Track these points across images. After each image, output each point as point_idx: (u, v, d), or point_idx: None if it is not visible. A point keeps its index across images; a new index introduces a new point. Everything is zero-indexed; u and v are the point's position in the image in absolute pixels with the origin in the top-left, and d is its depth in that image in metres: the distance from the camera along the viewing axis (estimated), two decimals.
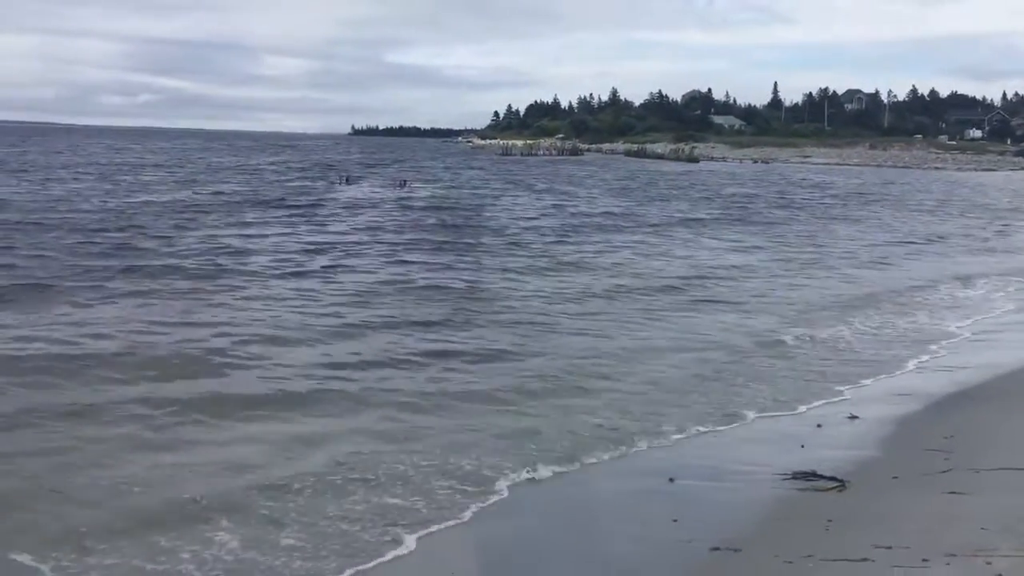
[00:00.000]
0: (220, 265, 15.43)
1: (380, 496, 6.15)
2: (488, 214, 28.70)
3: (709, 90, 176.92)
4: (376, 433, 7.47)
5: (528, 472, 6.71)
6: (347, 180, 44.95)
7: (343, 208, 28.76)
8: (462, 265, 16.65)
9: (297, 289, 13.80)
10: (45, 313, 11.36)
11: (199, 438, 7.32)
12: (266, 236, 20.20)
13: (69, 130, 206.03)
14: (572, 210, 31.20)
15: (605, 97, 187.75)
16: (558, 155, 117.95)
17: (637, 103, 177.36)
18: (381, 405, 8.18)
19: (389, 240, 20.34)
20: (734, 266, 17.81)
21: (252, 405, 8.01)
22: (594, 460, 7.10)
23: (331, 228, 22.73)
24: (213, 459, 6.79)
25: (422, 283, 14.29)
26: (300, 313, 11.98)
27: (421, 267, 16.24)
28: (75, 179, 35.49)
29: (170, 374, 8.93)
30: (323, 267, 16.08)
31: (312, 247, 18.34)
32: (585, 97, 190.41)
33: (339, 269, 15.94)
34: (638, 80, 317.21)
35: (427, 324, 11.26)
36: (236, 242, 18.99)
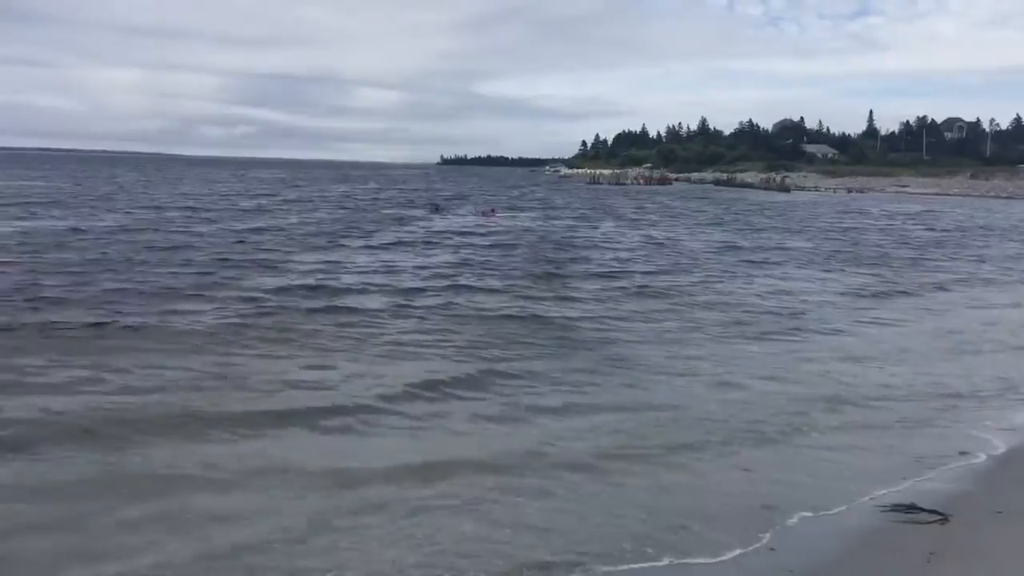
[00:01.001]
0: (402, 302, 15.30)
1: None
2: (583, 243, 28.23)
3: (801, 119, 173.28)
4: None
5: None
6: (437, 209, 44.84)
7: (438, 235, 28.64)
8: (573, 303, 15.92)
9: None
10: None
11: None
12: (372, 265, 20.02)
13: (176, 159, 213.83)
14: (669, 240, 30.54)
15: (694, 126, 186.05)
16: (646, 184, 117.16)
17: (727, 132, 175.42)
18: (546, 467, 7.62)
19: (490, 271, 19.85)
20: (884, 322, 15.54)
21: None
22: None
23: (435, 257, 22.39)
24: None
25: (554, 324, 13.66)
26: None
27: (536, 302, 15.62)
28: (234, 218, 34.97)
29: None
30: (436, 301, 15.59)
31: (419, 278, 18.09)
32: (673, 126, 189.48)
33: (453, 305, 15.37)
34: (728, 109, 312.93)
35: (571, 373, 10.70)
36: (369, 269, 19.40)
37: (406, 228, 32.74)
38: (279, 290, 15.79)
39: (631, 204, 60.97)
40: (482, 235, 30.59)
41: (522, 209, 49.43)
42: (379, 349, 11.48)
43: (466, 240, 27.95)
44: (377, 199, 55.53)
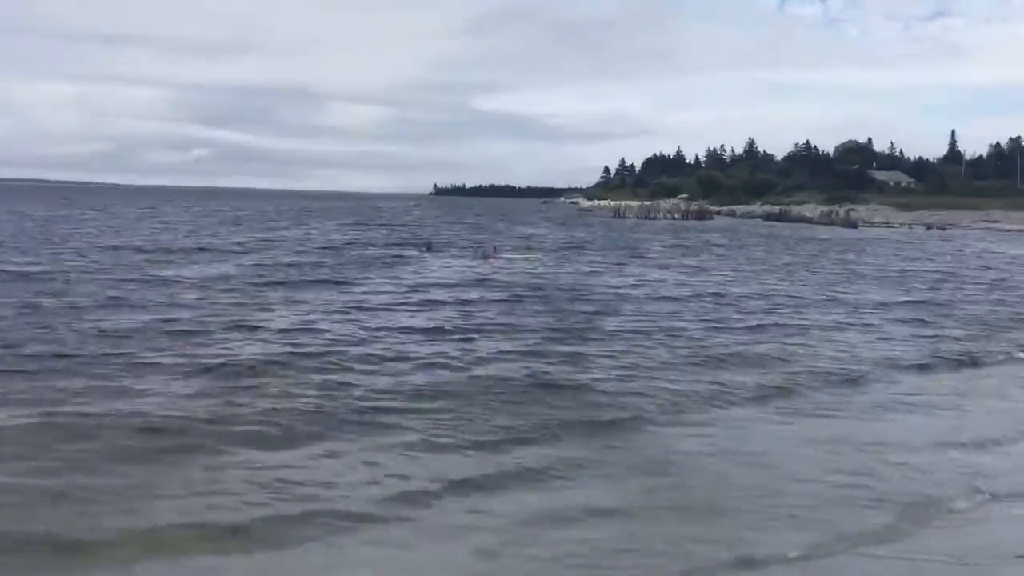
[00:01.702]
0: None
1: None
2: (610, 293, 28.36)
3: (869, 140, 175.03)
4: None
5: None
6: (428, 248, 45.32)
7: (431, 285, 28.74)
8: (603, 370, 15.93)
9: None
10: None
11: None
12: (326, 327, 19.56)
13: (112, 190, 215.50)
14: (720, 291, 30.33)
15: (739, 149, 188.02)
16: (682, 218, 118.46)
17: (779, 156, 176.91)
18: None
19: (500, 330, 19.84)
20: None
21: None
22: None
23: (431, 313, 22.37)
24: None
25: (585, 401, 13.76)
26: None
27: (559, 371, 15.69)
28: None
29: None
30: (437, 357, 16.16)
31: (417, 341, 18.07)
32: (714, 149, 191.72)
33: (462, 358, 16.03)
34: (779, 128, 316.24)
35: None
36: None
37: (393, 274, 32.65)
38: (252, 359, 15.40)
39: (666, 243, 61.43)
40: (485, 282, 30.46)
41: (532, 249, 49.53)
42: (383, 440, 11.44)
43: (462, 292, 27.60)
44: (357, 239, 55.44)
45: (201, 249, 41.26)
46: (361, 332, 19.05)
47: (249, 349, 16.54)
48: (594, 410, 13.03)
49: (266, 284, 27.54)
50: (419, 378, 14.71)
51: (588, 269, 38.09)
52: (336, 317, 21.13)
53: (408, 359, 16.26)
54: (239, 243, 46.49)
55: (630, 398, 13.82)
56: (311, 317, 20.85)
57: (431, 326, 20.24)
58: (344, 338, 18.19)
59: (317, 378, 14.36)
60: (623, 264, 41.52)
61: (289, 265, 34.77)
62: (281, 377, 14.31)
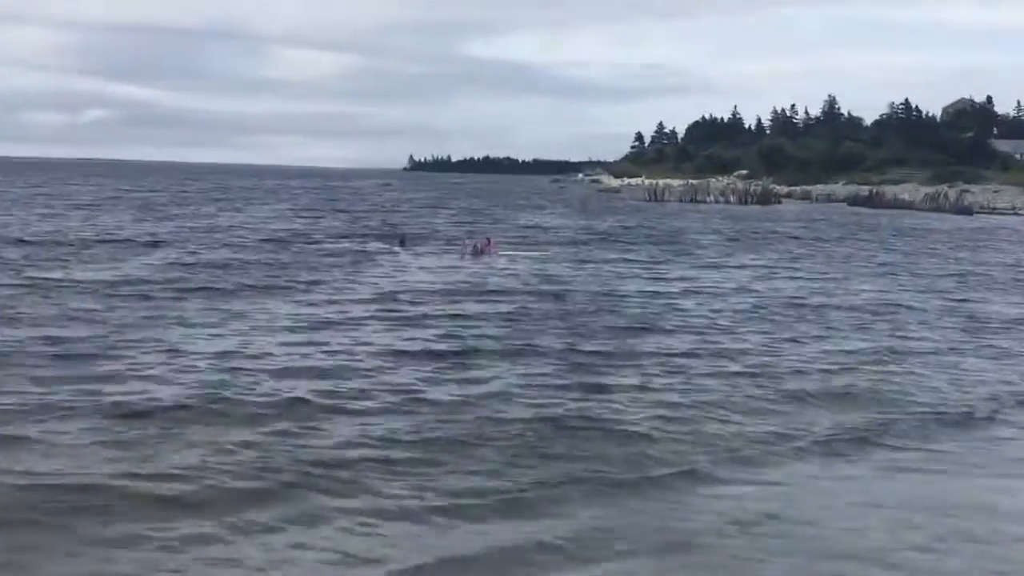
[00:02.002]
0: None
1: None
2: (650, 304, 28.42)
3: (988, 99, 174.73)
4: None
5: None
6: (402, 242, 45.57)
7: (405, 293, 28.84)
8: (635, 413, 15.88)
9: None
10: None
11: None
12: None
13: None
14: (794, 300, 30.41)
15: (815, 110, 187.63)
16: (739, 202, 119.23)
17: (868, 120, 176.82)
18: None
19: (505, 360, 19.63)
20: None
21: None
22: None
23: (409, 330, 22.48)
24: None
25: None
26: None
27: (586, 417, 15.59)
28: None
29: None
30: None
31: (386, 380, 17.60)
32: (782, 111, 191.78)
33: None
34: (870, 83, 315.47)
35: None
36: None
37: (358, 276, 32.86)
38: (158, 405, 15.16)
39: (719, 236, 61.38)
40: (480, 288, 30.50)
41: (538, 242, 49.62)
42: (345, 506, 11.44)
43: (451, 302, 27.57)
44: (309, 229, 55.61)
45: (101, 242, 41.15)
46: (318, 357, 18.91)
47: (166, 382, 16.39)
48: (625, 465, 13.08)
49: (188, 290, 27.44)
50: (395, 421, 14.62)
51: (617, 270, 38.00)
52: (283, 336, 20.94)
53: (380, 394, 16.17)
54: (151, 234, 46.47)
55: (672, 446, 13.92)
56: (250, 337, 20.69)
57: (411, 348, 20.10)
58: (294, 366, 18.07)
59: (259, 423, 14.26)
60: (663, 263, 41.52)
61: (219, 265, 34.61)
62: (209, 423, 14.17)
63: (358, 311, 25.02)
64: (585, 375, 18.12)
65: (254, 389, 16.08)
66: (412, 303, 26.85)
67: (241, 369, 17.47)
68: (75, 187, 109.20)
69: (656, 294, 30.81)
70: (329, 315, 24.13)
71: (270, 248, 42.05)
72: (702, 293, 31.61)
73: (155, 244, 41.15)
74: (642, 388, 17.27)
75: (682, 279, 35.53)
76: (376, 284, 30.73)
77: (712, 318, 26.04)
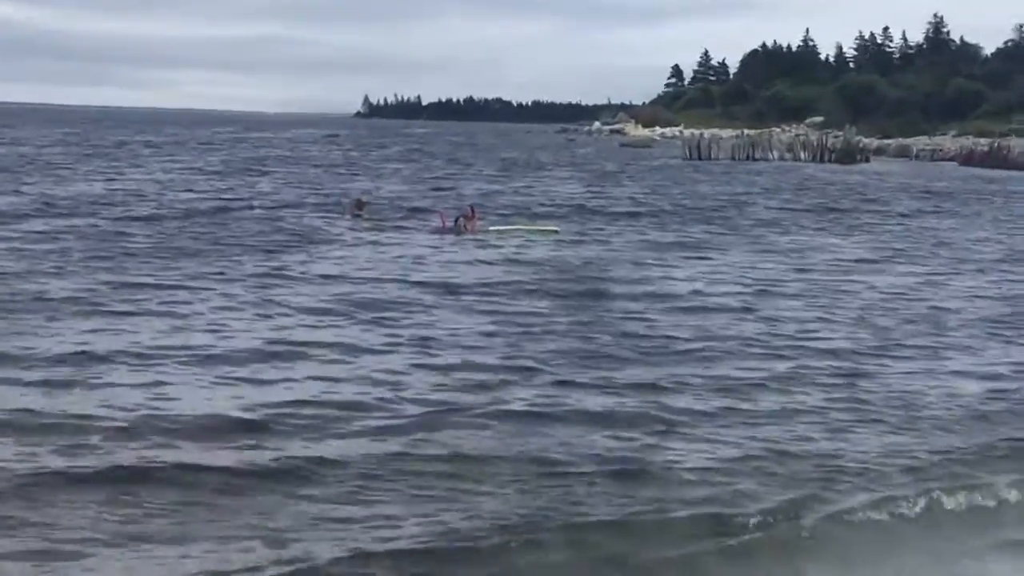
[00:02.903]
0: None
1: None
2: (682, 302, 28.09)
3: None
4: None
5: None
6: (358, 208, 46.38)
7: (371, 279, 29.42)
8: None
9: None
10: None
11: None
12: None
13: None
14: (912, 298, 30.29)
15: (916, 36, 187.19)
16: (811, 159, 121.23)
17: (988, 50, 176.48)
18: None
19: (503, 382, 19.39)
20: None
21: None
22: None
23: (371, 330, 22.68)
24: None
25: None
26: None
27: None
28: None
29: None
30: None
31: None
32: (871, 36, 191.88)
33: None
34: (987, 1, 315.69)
35: None
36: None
37: (303, 260, 33.12)
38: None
39: (787, 206, 61.43)
40: (463, 276, 30.57)
41: (535, 214, 50.28)
42: None
43: (424, 295, 27.50)
44: (228, 196, 56.10)
45: None
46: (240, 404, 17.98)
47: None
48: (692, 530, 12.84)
49: (51, 277, 27.59)
50: (359, 455, 14.81)
51: (654, 256, 37.55)
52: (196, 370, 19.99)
53: (343, 424, 16.26)
54: None
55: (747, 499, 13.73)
56: (157, 355, 20.12)
57: (373, 360, 20.10)
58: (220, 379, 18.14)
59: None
60: (717, 248, 40.98)
61: (95, 247, 34.18)
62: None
63: (301, 331, 24.05)
64: (610, 393, 18.11)
65: (169, 416, 16.25)
66: (376, 293, 27.12)
67: (143, 401, 17.02)
68: None
69: (724, 294, 30.18)
70: (261, 335, 23.20)
71: (174, 222, 42.19)
72: (782, 294, 30.85)
73: (7, 218, 40.96)
74: (700, 413, 17.31)
75: (736, 268, 35.20)
76: (328, 271, 30.99)
77: (786, 322, 25.77)
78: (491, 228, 42.40)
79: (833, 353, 22.70)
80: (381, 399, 18.00)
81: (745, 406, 18.26)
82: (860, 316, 27.64)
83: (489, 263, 33.98)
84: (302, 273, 31.32)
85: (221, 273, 30.13)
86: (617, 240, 42.40)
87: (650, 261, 36.29)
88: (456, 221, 42.14)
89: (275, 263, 32.89)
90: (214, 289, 28.15)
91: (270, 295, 28.01)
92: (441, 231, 41.46)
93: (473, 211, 43.52)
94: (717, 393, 18.97)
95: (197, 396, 17.97)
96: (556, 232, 43.11)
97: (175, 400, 17.66)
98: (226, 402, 17.51)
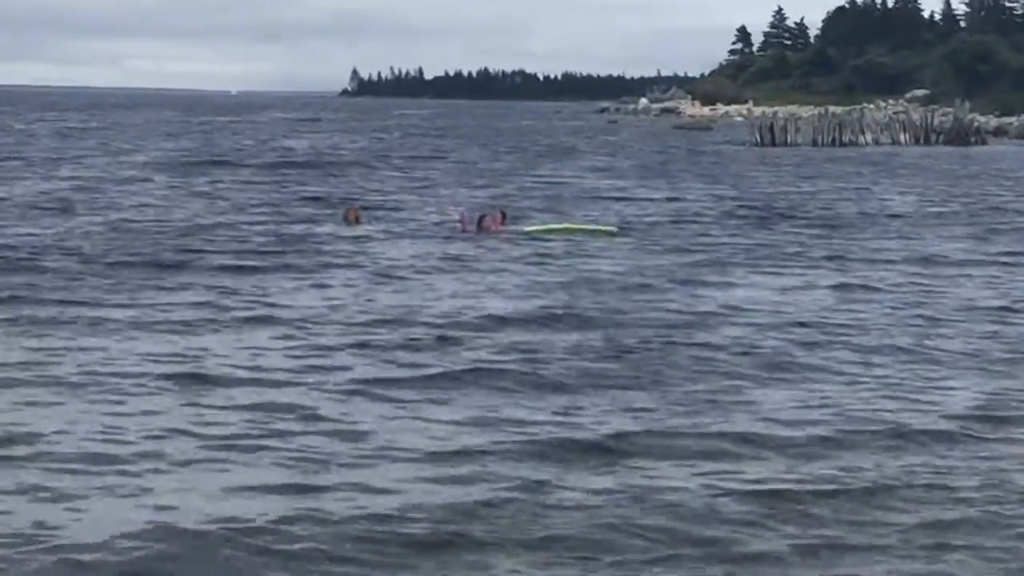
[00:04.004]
0: None
1: None
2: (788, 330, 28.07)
3: None
4: None
5: None
6: (350, 217, 46.75)
7: (396, 310, 29.15)
8: None
9: None
10: None
11: None
12: None
13: None
14: None
15: None
16: (915, 142, 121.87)
17: None
18: None
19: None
20: None
21: None
22: None
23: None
24: None
25: None
26: None
27: None
28: None
29: None
30: None
31: None
32: None
33: None
34: None
35: None
36: None
37: (296, 282, 33.06)
38: None
39: (908, 202, 61.00)
40: (510, 305, 30.03)
41: (570, 215, 49.79)
42: None
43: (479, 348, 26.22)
44: (196, 197, 56.79)
45: None
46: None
47: None
48: None
49: None
50: None
51: (703, 274, 36.53)
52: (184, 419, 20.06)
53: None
54: None
55: None
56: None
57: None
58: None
59: None
60: (830, 261, 40.04)
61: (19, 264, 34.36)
62: None
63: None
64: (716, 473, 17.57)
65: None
66: (414, 341, 26.30)
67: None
68: None
69: (813, 313, 29.71)
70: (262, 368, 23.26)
71: (128, 232, 42.50)
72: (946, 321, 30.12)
73: None
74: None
75: (888, 292, 34.23)
76: (336, 295, 30.92)
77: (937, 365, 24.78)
78: (525, 228, 42.70)
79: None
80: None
81: None
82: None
83: (526, 271, 34.59)
84: (330, 281, 32.82)
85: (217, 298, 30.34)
86: (670, 251, 41.39)
87: (697, 280, 35.50)
88: (480, 221, 42.64)
89: (285, 278, 33.70)
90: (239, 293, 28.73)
91: (290, 303, 29.35)
92: (463, 232, 41.87)
93: (504, 216, 44.02)
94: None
95: None
96: (613, 234, 43.11)
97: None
98: None
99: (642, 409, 21.81)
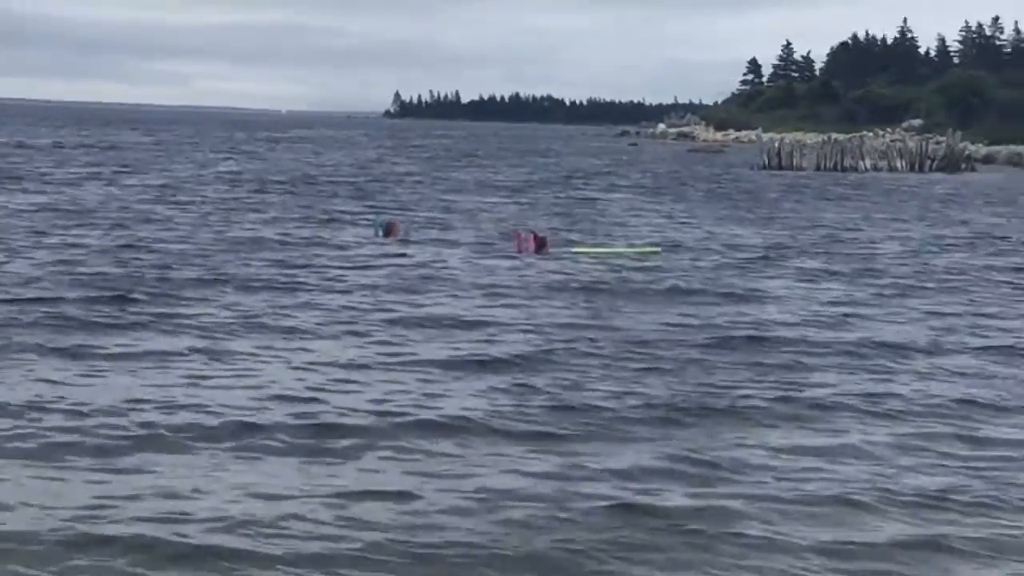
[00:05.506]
0: None
1: None
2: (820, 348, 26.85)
3: None
4: None
5: None
6: (387, 231, 46.10)
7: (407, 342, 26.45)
8: None
9: None
10: None
11: None
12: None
13: None
14: None
15: None
16: (909, 169, 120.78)
17: None
18: None
19: None
20: None
21: None
22: None
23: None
24: None
25: None
26: None
27: None
28: None
29: None
30: None
31: None
32: (978, 27, 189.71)
33: None
34: None
35: None
36: None
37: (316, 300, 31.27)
38: None
39: (885, 226, 60.22)
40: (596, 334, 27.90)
41: (611, 235, 49.47)
42: None
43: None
44: (236, 211, 55.47)
45: None
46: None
47: None
48: None
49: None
50: None
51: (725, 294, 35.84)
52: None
53: None
54: None
55: None
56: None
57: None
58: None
59: None
60: (823, 275, 39.63)
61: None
62: None
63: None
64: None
65: None
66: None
67: None
68: None
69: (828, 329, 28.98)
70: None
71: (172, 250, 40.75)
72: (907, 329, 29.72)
73: None
74: None
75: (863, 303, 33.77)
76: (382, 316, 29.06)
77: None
78: (573, 250, 42.15)
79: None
80: None
81: None
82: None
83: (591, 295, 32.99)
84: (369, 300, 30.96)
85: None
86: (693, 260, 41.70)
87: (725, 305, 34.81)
88: (525, 242, 42.17)
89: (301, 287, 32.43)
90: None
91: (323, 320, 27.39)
92: (526, 248, 41.41)
93: (537, 237, 43.03)
94: None
95: None
96: (657, 253, 42.70)
97: None
98: None
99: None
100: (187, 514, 15.09)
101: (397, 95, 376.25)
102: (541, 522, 15.16)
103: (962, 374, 24.81)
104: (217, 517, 14.94)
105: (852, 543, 14.89)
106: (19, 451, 17.30)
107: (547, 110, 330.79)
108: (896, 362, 25.53)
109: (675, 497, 16.23)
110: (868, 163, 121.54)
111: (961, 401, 22.17)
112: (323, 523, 15.12)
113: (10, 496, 15.46)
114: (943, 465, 17.99)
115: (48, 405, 19.42)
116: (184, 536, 14.38)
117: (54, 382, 20.98)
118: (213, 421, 18.89)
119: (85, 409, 19.13)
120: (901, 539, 15.08)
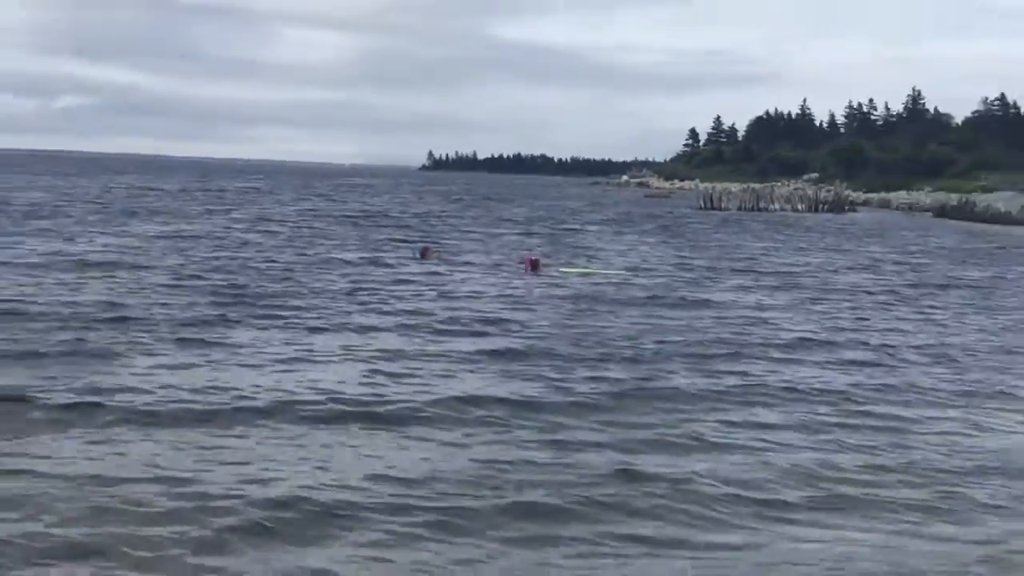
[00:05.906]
0: None
1: None
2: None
3: None
4: None
5: None
6: (421, 254, 45.53)
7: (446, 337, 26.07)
8: None
9: None
10: None
11: None
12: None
13: None
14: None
15: (897, 106, 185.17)
16: (808, 210, 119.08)
17: (958, 118, 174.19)
18: None
19: None
20: None
21: None
22: None
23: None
24: None
25: None
26: None
27: None
28: None
29: None
30: None
31: None
32: (859, 106, 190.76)
33: None
34: (959, 75, 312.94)
35: None
36: None
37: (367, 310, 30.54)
38: None
39: (790, 252, 59.89)
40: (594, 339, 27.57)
41: (592, 259, 48.54)
42: None
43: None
44: (303, 235, 54.98)
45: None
46: None
47: None
48: None
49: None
50: None
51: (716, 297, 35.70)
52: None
53: None
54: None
55: None
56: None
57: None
58: None
59: None
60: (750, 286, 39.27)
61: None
62: None
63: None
64: None
65: None
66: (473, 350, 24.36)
67: None
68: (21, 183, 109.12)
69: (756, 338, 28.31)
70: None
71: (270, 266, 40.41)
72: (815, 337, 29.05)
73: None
74: None
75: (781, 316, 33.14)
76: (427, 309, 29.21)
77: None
78: (562, 269, 41.78)
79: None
80: None
81: None
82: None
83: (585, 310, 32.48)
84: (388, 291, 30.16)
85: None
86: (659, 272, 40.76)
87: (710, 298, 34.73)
88: (532, 262, 41.95)
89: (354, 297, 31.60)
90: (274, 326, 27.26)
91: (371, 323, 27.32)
92: (526, 270, 40.88)
93: (537, 260, 42.82)
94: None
95: None
96: (621, 273, 42.51)
97: None
98: None
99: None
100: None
101: (430, 153, 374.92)
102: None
103: (851, 362, 24.48)
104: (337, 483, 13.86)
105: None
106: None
107: (541, 165, 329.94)
108: (802, 354, 25.11)
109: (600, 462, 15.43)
110: (777, 205, 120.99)
111: (847, 385, 21.66)
112: (412, 481, 14.12)
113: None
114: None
115: (176, 384, 18.75)
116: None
117: (174, 367, 20.23)
118: (311, 396, 18.26)
119: (199, 385, 18.53)
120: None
